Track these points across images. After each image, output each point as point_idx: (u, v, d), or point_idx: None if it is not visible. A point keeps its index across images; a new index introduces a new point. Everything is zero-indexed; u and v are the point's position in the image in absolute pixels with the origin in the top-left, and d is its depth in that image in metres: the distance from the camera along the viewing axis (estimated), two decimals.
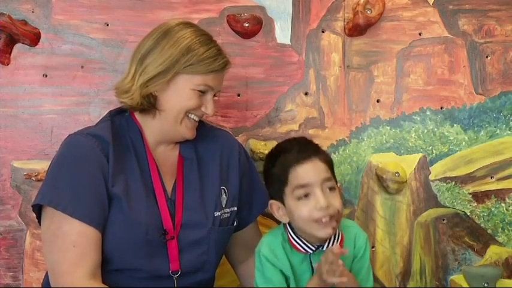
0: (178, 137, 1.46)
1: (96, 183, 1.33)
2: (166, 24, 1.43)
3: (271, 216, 1.64)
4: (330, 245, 1.34)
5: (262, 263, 1.36)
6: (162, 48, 1.38)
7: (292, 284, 1.36)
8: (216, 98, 1.48)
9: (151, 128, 1.45)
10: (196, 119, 1.45)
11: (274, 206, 1.37)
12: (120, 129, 1.44)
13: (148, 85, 1.38)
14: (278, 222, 1.43)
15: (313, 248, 1.35)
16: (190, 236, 1.42)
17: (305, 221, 1.30)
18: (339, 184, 1.46)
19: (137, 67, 1.40)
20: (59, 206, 1.30)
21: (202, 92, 1.41)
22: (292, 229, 1.37)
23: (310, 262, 1.36)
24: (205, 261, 1.45)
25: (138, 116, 1.46)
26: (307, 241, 1.35)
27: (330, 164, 1.36)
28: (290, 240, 1.37)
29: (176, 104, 1.40)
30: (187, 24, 1.44)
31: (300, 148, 1.35)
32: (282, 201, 1.35)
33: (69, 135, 1.41)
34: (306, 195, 1.30)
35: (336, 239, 1.35)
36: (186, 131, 1.44)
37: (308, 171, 1.31)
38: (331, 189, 1.32)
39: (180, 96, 1.40)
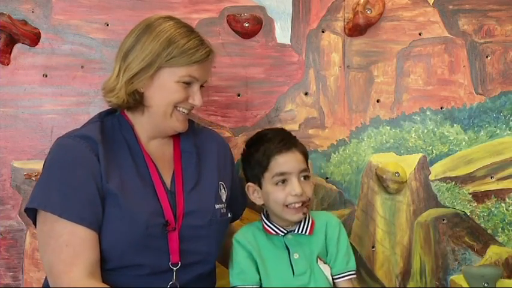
0: (170, 130, 1.46)
1: (86, 184, 1.33)
2: (147, 20, 1.43)
3: (259, 211, 1.66)
4: (301, 228, 1.49)
5: (234, 247, 1.50)
6: (143, 44, 1.38)
7: (261, 267, 1.46)
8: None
9: (142, 124, 1.45)
10: (186, 111, 1.45)
11: (250, 188, 1.51)
12: (112, 129, 1.44)
13: (132, 82, 1.38)
14: None
15: (285, 231, 1.49)
16: (192, 227, 1.42)
17: (279, 204, 1.45)
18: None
19: (121, 65, 1.40)
20: (48, 208, 1.31)
21: (188, 84, 1.41)
22: (267, 217, 1.52)
23: (286, 245, 1.48)
24: (206, 252, 1.45)
25: (128, 113, 1.46)
26: (278, 225, 1.49)
27: (306, 155, 1.52)
28: (264, 226, 1.51)
29: (162, 98, 1.40)
30: (167, 18, 1.44)
31: (283, 138, 1.49)
32: (260, 185, 1.49)
33: (58, 138, 1.42)
34: (283, 181, 1.45)
35: (307, 223, 1.50)
36: (178, 124, 1.44)
37: (288, 161, 1.45)
38: (306, 177, 1.48)
39: (165, 90, 1.40)
